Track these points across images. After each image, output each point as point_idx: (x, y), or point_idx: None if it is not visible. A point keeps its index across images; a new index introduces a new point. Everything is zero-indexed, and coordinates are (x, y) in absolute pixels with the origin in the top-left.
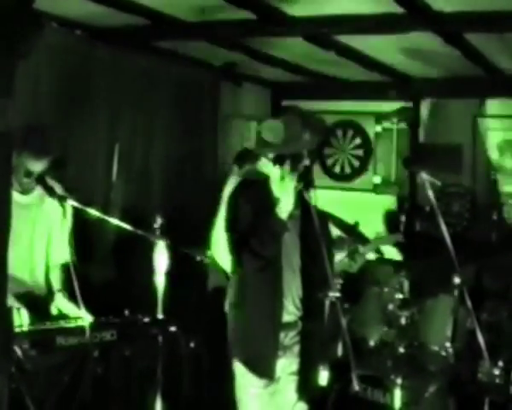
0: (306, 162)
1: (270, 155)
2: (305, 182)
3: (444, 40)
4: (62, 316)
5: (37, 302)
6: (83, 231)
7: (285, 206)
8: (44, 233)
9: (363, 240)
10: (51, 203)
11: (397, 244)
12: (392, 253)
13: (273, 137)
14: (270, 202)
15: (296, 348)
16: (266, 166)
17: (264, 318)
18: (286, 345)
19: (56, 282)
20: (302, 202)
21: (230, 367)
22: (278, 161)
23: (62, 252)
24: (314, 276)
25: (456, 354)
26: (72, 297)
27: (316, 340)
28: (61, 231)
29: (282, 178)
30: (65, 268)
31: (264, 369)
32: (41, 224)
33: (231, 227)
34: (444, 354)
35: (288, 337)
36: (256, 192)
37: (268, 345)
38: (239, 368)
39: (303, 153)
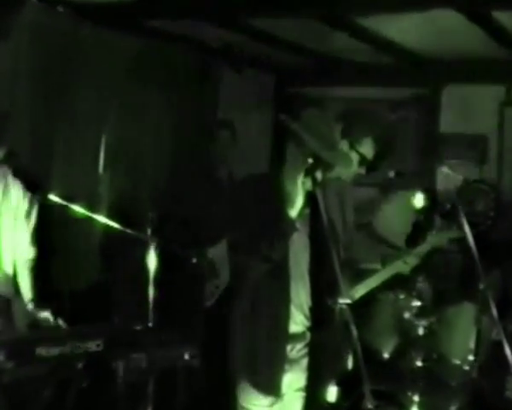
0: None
1: (309, 147)
2: (314, 178)
3: (467, 18)
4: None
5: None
6: (66, 230)
7: (294, 203)
8: (9, 228)
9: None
10: (16, 197)
11: None
12: None
13: (322, 131)
14: (278, 199)
15: (304, 362)
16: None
17: (269, 327)
18: (293, 358)
19: (26, 288)
20: (312, 201)
21: (230, 382)
22: (314, 158)
23: (26, 248)
24: (325, 281)
25: (479, 369)
26: (46, 303)
27: (325, 353)
28: (25, 225)
29: (290, 175)
30: (32, 268)
31: (268, 385)
32: (5, 219)
33: (235, 226)
34: (466, 367)
35: (296, 350)
36: (263, 188)
37: (273, 358)
38: (240, 383)
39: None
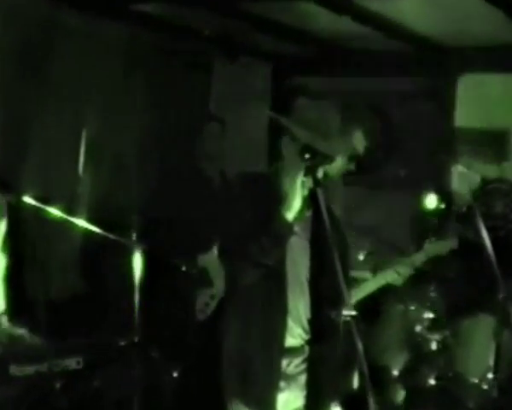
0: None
1: (300, 141)
2: (315, 177)
3: None
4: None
5: None
6: (42, 236)
7: (291, 205)
8: None
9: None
10: None
11: None
12: None
13: (318, 123)
14: (273, 198)
15: (302, 379)
16: (286, 147)
17: (263, 340)
18: (290, 375)
19: None
20: (314, 202)
21: (222, 401)
22: (309, 152)
23: None
24: (326, 290)
25: (500, 388)
26: (20, 317)
27: (326, 369)
28: None
29: (288, 171)
30: (4, 278)
31: (262, 403)
32: None
33: (224, 229)
34: (485, 387)
35: (293, 365)
36: (257, 188)
37: (267, 374)
38: (233, 402)
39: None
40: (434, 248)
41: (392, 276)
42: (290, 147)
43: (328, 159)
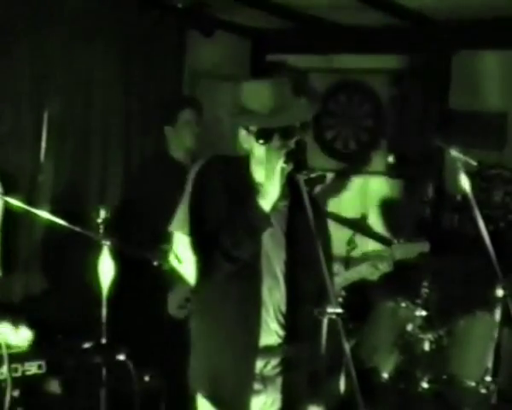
0: (299, 137)
1: (253, 128)
2: (297, 163)
3: None
4: None
5: None
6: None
7: (270, 194)
8: None
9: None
10: None
11: None
12: None
13: (257, 103)
14: (249, 187)
15: (280, 381)
16: (245, 142)
17: (235, 338)
18: (266, 376)
19: None
20: (291, 191)
21: (192, 405)
22: (263, 135)
23: None
24: (302, 285)
25: (499, 392)
26: None
27: (303, 370)
28: None
29: (268, 158)
30: None
31: (235, 408)
32: None
33: (195, 218)
34: (483, 391)
35: (270, 366)
36: (230, 173)
37: (241, 375)
38: (204, 406)
39: (296, 126)
40: (401, 251)
41: (370, 270)
42: (248, 139)
43: (293, 131)
